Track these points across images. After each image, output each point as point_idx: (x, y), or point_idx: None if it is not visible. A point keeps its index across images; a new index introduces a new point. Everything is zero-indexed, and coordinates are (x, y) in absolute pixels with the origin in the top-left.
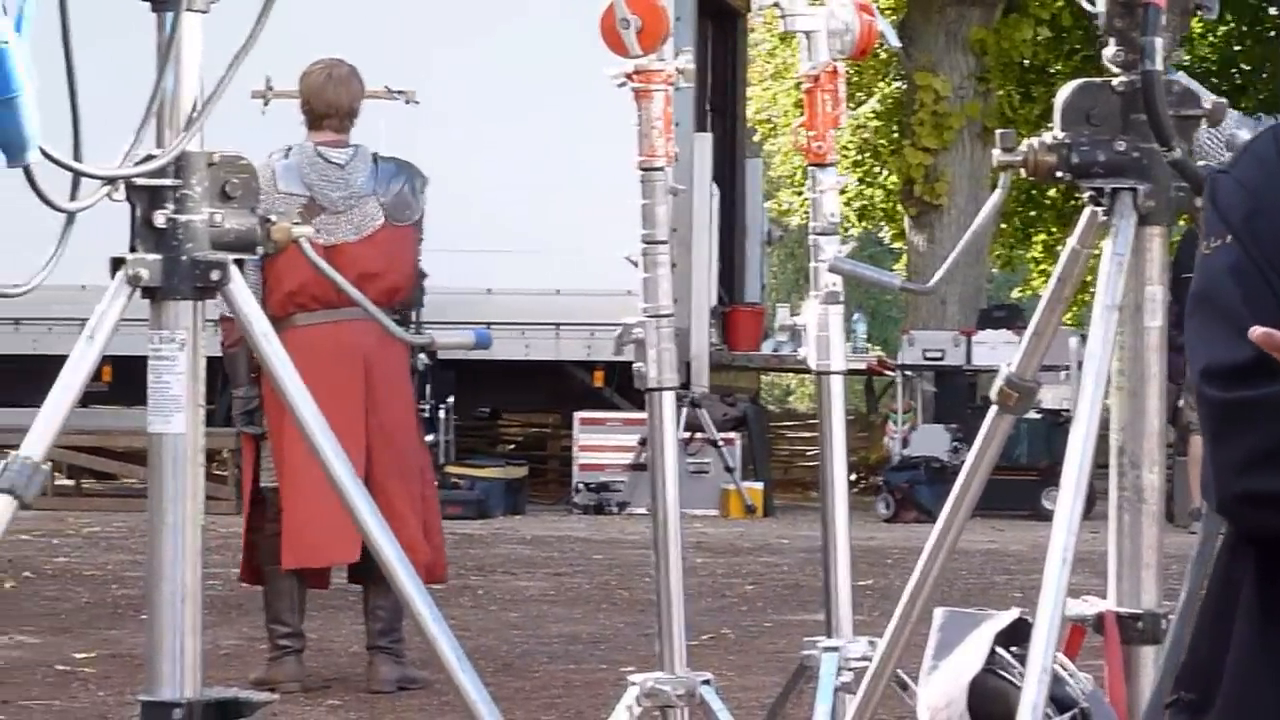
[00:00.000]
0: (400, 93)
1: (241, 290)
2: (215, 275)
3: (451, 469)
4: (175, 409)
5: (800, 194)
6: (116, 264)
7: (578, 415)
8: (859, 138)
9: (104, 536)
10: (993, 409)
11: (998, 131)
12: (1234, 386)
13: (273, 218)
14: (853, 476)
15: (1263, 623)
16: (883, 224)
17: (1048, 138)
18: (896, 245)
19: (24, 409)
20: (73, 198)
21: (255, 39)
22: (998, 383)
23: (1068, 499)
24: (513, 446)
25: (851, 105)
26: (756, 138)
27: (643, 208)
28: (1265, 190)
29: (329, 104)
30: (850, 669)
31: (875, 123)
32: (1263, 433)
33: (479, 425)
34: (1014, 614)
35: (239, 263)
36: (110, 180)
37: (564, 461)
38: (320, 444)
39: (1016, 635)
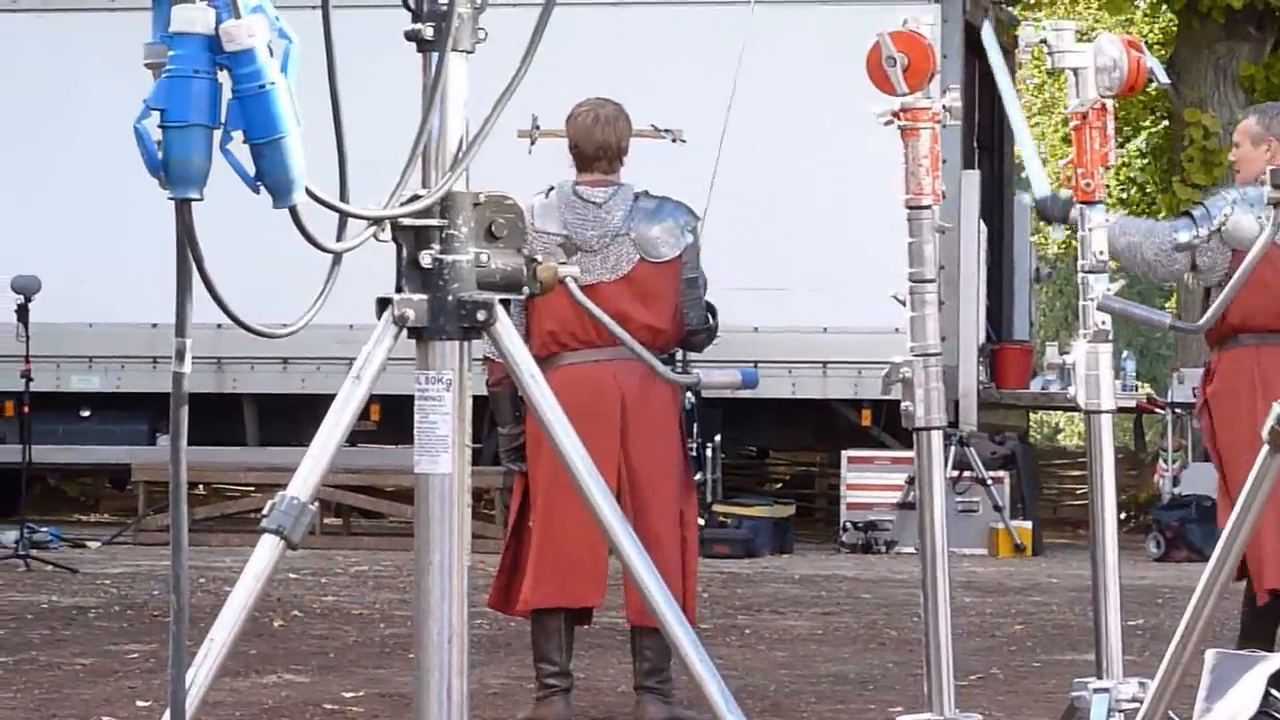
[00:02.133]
0: (667, 131)
1: (508, 331)
2: (481, 315)
3: (719, 508)
4: (442, 449)
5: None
6: (383, 304)
7: (845, 454)
8: (1124, 175)
9: (372, 575)
10: (1265, 448)
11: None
12: None
13: (539, 258)
14: (1123, 515)
15: None
16: None
17: None
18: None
19: (292, 448)
20: (339, 238)
21: (520, 78)
22: (1269, 422)
23: None
24: (780, 485)
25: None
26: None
27: (910, 246)
28: None
29: (598, 146)
30: (1121, 710)
31: (1141, 160)
32: None
33: (746, 464)
34: None
35: (505, 303)
36: (376, 221)
37: (831, 500)
38: (589, 486)
39: None
